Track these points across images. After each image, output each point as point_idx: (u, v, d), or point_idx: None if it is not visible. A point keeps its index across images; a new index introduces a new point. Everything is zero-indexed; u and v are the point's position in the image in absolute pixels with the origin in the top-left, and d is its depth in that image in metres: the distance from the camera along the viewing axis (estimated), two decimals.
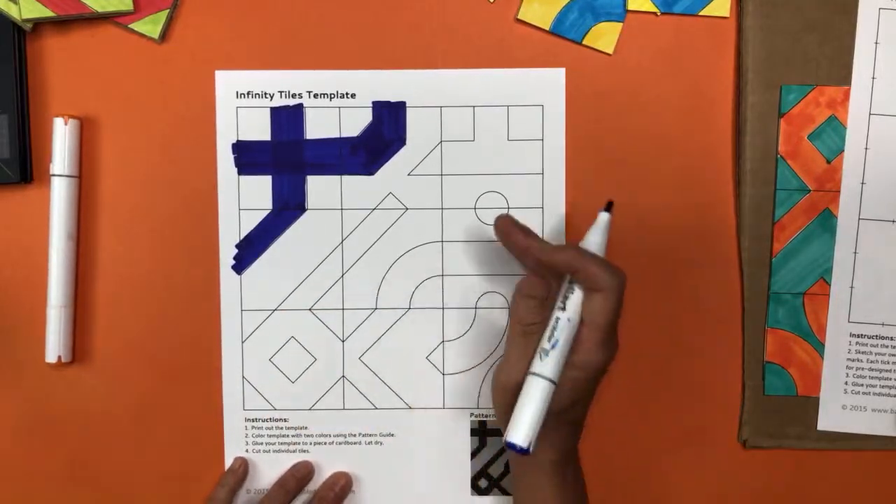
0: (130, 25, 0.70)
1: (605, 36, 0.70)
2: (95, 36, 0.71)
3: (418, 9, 0.71)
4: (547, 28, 0.70)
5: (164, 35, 0.71)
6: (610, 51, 0.71)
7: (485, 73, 0.71)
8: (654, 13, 0.71)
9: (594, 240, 0.63)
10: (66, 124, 0.69)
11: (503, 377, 0.64)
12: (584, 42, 0.71)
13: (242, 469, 0.73)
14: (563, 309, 0.62)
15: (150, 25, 0.70)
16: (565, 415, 0.63)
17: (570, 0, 0.70)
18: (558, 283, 0.64)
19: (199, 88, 0.71)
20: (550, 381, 0.60)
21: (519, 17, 0.70)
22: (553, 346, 0.61)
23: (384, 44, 0.71)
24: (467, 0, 0.71)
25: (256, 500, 0.73)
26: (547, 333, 0.61)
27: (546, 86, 0.71)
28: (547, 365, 0.61)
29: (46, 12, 0.68)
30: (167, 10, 0.70)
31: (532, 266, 0.65)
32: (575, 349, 0.61)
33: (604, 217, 0.64)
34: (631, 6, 0.70)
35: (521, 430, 0.60)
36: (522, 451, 0.60)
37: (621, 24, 0.70)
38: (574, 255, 0.61)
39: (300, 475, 0.73)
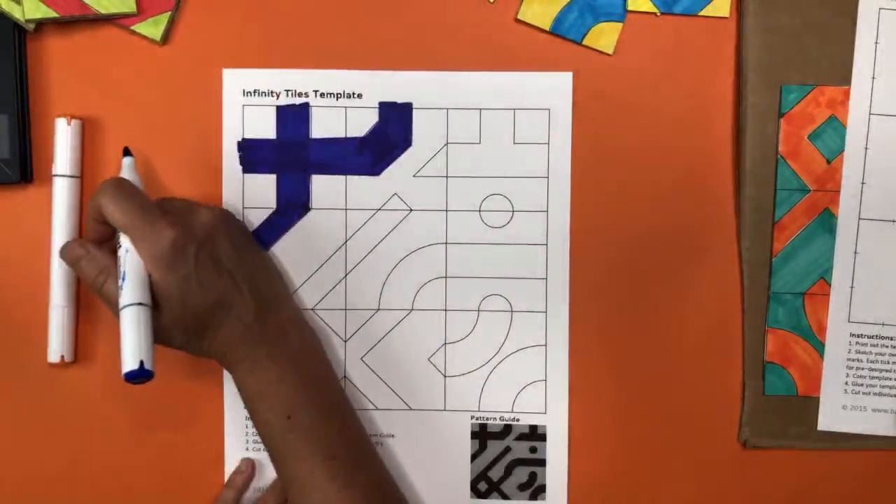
0: (132, 27, 0.70)
1: (605, 36, 0.71)
2: (97, 37, 0.71)
3: (417, 8, 0.71)
4: (547, 28, 0.70)
5: (166, 37, 0.71)
6: (610, 51, 0.71)
7: (492, 76, 0.71)
8: (654, 13, 0.71)
9: (126, 176, 0.67)
10: (68, 125, 0.69)
11: None
12: (584, 42, 0.71)
13: (250, 471, 0.73)
14: (120, 245, 0.63)
15: (152, 27, 0.70)
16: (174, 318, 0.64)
17: (570, 0, 0.70)
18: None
19: (201, 88, 0.71)
20: (137, 304, 0.61)
21: (519, 17, 0.71)
22: (123, 278, 0.62)
23: (390, 44, 0.71)
24: (467, 0, 0.71)
25: (255, 498, 0.73)
26: (117, 272, 0.63)
27: (553, 90, 0.71)
28: (126, 293, 0.62)
29: (50, 13, 0.68)
30: (169, 13, 0.70)
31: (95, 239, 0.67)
32: None
33: (126, 161, 0.68)
34: (631, 6, 0.70)
35: (127, 358, 0.61)
36: (143, 375, 0.61)
37: (621, 25, 0.71)
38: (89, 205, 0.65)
39: None
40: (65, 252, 0.66)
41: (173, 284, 0.62)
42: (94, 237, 0.66)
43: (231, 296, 0.64)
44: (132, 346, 0.61)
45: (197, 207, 0.66)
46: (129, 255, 0.62)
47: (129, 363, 0.61)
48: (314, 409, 0.66)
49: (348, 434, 0.68)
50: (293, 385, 0.66)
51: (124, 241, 0.63)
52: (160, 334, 0.63)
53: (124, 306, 0.62)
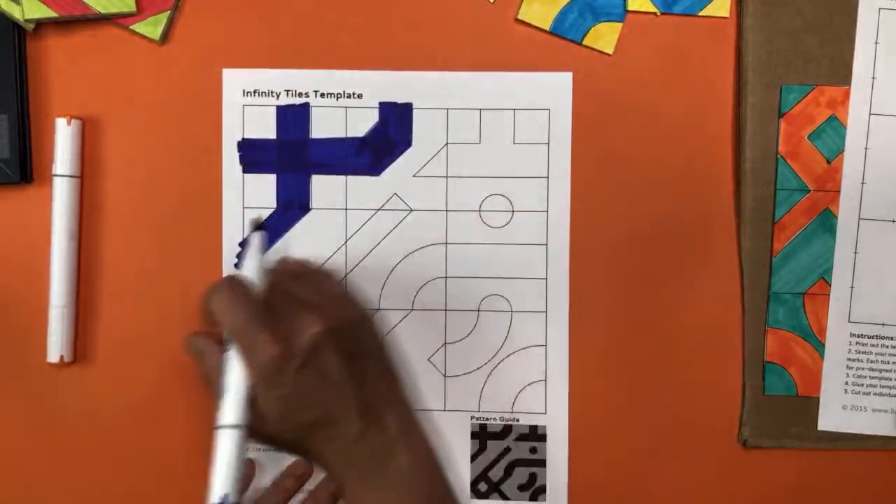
0: (132, 27, 0.70)
1: (605, 36, 0.71)
2: (97, 36, 0.71)
3: (417, 8, 0.71)
4: (547, 28, 0.70)
5: (166, 37, 0.71)
6: (610, 51, 0.71)
7: (492, 76, 0.71)
8: (654, 13, 0.71)
9: (248, 265, 0.61)
10: (68, 125, 0.69)
11: None
12: (584, 42, 0.71)
13: (250, 471, 0.73)
14: (228, 348, 0.59)
15: (151, 27, 0.70)
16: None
17: (570, 0, 0.70)
18: None
19: (202, 88, 0.71)
20: (233, 426, 0.58)
21: (519, 17, 0.71)
22: (224, 390, 0.58)
23: (390, 44, 0.71)
24: (467, 0, 0.71)
25: (254, 498, 0.73)
26: (220, 381, 0.59)
27: (553, 90, 0.71)
28: (224, 411, 0.58)
29: (49, 12, 0.68)
30: (168, 12, 0.70)
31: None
32: None
33: (256, 237, 0.61)
34: (631, 6, 0.70)
35: (214, 488, 0.58)
36: None
37: (621, 25, 0.71)
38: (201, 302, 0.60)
39: (298, 473, 0.72)
40: (187, 345, 0.63)
41: (272, 402, 0.58)
42: (210, 328, 0.61)
43: (335, 413, 0.60)
44: (221, 476, 0.58)
45: (305, 313, 0.59)
46: (232, 363, 0.58)
47: (214, 494, 0.58)
48: None
49: None
50: None
51: (232, 345, 0.59)
52: (260, 439, 0.61)
53: (219, 426, 0.58)
